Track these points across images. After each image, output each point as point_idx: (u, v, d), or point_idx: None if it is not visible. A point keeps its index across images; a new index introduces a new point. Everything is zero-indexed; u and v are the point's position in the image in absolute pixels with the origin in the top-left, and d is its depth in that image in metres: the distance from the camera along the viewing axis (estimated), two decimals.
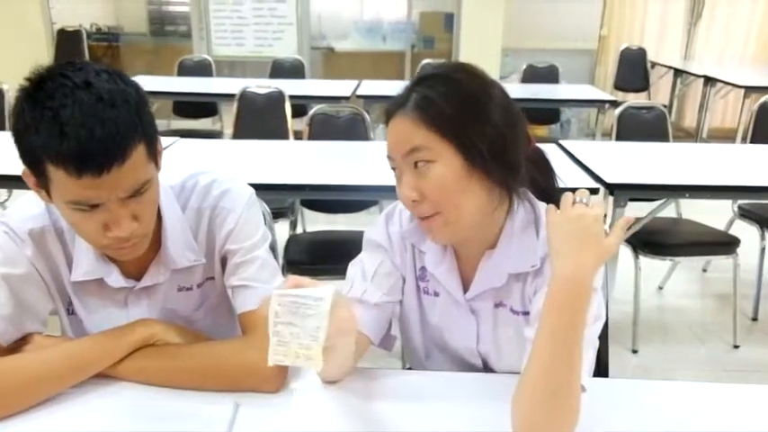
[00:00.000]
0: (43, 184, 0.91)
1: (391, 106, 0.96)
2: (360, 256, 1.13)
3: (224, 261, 1.12)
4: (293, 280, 0.83)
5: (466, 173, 0.92)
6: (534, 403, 0.86)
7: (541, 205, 1.04)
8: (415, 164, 0.93)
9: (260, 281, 1.08)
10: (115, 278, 1.07)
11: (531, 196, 1.04)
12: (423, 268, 1.11)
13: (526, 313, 1.03)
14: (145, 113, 0.91)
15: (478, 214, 0.97)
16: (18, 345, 1.03)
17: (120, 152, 0.86)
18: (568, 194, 0.93)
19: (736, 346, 2.68)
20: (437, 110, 0.92)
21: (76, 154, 0.83)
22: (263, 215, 1.19)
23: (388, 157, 0.98)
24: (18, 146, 0.89)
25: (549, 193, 1.07)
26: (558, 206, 1.00)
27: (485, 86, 0.96)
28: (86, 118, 0.84)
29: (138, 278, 1.09)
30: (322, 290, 0.81)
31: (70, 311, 1.12)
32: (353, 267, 1.12)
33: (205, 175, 1.13)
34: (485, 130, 0.92)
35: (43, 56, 5.86)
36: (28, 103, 0.86)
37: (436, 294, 1.11)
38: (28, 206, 1.05)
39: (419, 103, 0.93)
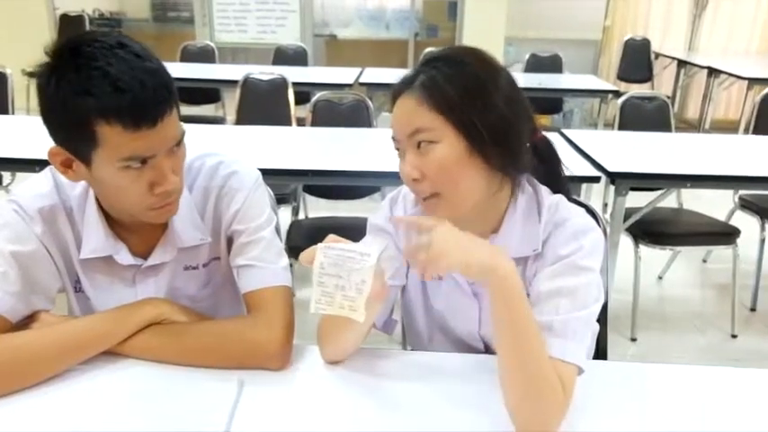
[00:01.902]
0: (85, 155, 0.92)
1: (398, 86, 0.97)
2: (364, 239, 1.14)
3: (230, 241, 1.13)
4: (334, 237, 0.87)
5: (467, 155, 0.93)
6: (515, 394, 0.90)
7: (545, 190, 1.05)
8: (418, 144, 0.94)
9: (265, 261, 1.09)
10: (124, 255, 1.08)
11: (535, 181, 1.05)
12: None
13: (527, 296, 1.04)
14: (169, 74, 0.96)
15: (477, 196, 0.98)
16: (26, 322, 1.04)
17: (170, 99, 0.91)
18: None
19: (734, 336, 2.70)
20: (441, 92, 0.92)
21: (134, 105, 0.86)
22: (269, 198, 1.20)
23: (393, 138, 0.99)
24: (60, 116, 0.89)
25: (556, 180, 1.08)
26: (564, 194, 1.04)
27: (492, 71, 0.96)
28: (135, 71, 0.87)
29: (146, 257, 1.10)
30: (368, 246, 0.85)
31: (77, 289, 1.13)
32: None
33: (212, 157, 1.14)
34: (488, 114, 0.93)
35: (45, 41, 5.81)
36: (70, 71, 0.87)
37: (440, 278, 1.12)
38: (37, 184, 1.07)
39: (425, 84, 0.93)
